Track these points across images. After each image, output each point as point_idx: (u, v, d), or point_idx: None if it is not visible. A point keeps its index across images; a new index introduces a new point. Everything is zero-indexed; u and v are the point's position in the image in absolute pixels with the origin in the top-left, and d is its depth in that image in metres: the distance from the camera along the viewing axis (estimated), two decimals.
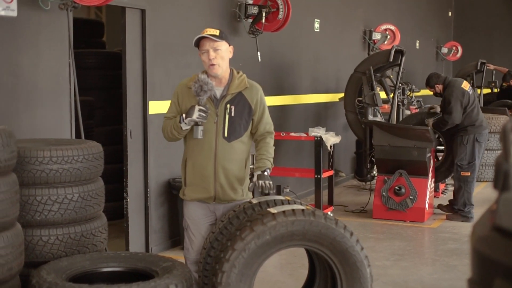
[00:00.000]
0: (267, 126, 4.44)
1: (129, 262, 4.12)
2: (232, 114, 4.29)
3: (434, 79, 8.82)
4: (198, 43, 4.29)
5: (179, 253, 6.80)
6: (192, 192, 4.40)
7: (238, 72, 4.40)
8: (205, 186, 4.34)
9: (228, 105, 4.29)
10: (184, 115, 4.22)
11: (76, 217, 4.33)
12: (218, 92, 4.32)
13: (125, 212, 6.53)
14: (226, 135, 4.29)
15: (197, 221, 4.42)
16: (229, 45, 4.33)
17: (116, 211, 7.23)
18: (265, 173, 4.28)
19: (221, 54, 4.25)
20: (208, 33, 4.25)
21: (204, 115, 4.18)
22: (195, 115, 4.17)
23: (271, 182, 4.25)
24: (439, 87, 8.75)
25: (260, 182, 4.21)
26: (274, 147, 4.46)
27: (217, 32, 4.26)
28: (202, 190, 4.36)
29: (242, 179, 4.40)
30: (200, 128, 4.23)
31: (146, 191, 6.70)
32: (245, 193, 4.45)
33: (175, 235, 7.07)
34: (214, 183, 4.33)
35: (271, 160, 4.38)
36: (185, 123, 4.22)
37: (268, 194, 4.30)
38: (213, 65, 4.23)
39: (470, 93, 8.52)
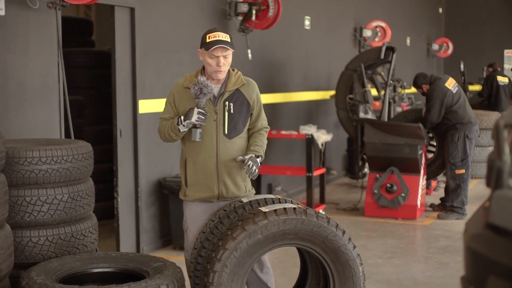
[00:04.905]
0: (264, 122, 4.46)
1: (119, 263, 4.10)
2: (232, 111, 4.28)
3: (421, 79, 8.74)
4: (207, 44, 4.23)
5: (170, 252, 6.77)
6: (195, 192, 4.34)
7: (233, 70, 4.41)
8: (208, 185, 4.30)
9: (227, 103, 4.28)
10: (182, 117, 4.18)
11: (66, 217, 4.30)
12: (216, 89, 4.30)
13: (115, 212, 6.49)
14: (226, 132, 4.27)
15: (200, 222, 4.36)
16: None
17: (106, 211, 7.19)
18: (258, 160, 4.26)
19: (229, 60, 4.29)
20: (221, 38, 4.22)
21: (203, 117, 4.14)
22: (194, 117, 4.13)
23: (257, 170, 4.22)
24: (426, 87, 8.63)
25: (250, 162, 4.17)
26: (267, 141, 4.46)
27: (228, 38, 4.26)
28: (205, 189, 4.31)
29: (244, 175, 4.36)
30: (199, 130, 4.19)
31: (137, 191, 6.66)
32: (248, 189, 4.42)
33: (166, 235, 7.03)
34: (217, 181, 4.29)
35: (264, 151, 4.36)
36: (183, 126, 4.18)
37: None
38: (220, 71, 4.23)
39: (454, 91, 8.42)
